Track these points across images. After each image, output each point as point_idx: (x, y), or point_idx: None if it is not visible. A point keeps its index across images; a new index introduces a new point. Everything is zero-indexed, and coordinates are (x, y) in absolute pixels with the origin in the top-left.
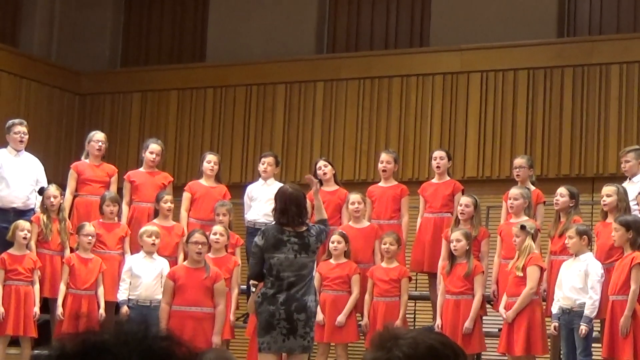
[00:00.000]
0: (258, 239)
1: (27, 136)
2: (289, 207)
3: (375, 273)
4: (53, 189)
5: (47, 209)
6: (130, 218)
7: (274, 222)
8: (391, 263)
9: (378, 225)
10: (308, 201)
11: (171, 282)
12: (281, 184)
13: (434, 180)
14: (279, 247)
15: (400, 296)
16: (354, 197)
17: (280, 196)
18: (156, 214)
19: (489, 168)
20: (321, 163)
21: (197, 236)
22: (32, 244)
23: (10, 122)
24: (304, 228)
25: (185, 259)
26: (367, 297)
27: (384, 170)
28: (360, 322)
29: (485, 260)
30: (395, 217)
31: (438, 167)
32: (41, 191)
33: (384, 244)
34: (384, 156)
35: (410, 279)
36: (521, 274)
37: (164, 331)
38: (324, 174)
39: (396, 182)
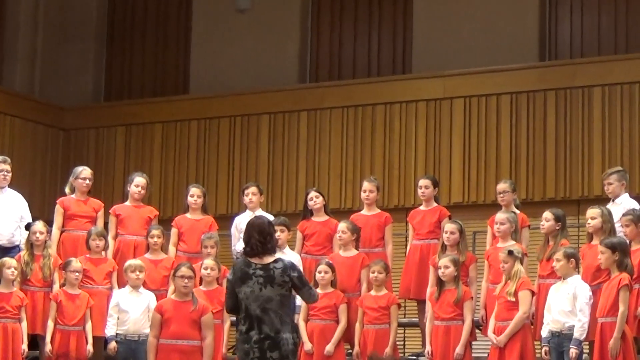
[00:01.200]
0: (229, 274)
1: (10, 174)
2: (252, 234)
3: (364, 301)
4: (40, 225)
5: (32, 245)
6: (117, 252)
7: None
8: (380, 291)
9: (364, 253)
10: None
11: (158, 316)
12: (268, 214)
13: (422, 208)
14: (246, 280)
15: (390, 323)
16: (341, 225)
17: (245, 228)
18: (148, 248)
19: (475, 193)
20: (313, 194)
21: (184, 270)
22: (15, 282)
23: None
24: (271, 260)
25: (175, 292)
26: (357, 325)
27: (367, 199)
28: (349, 351)
29: (474, 285)
30: (380, 245)
31: (423, 195)
32: (27, 227)
33: (372, 273)
34: (366, 185)
35: (399, 306)
36: (513, 299)
37: None
38: (315, 204)
39: (379, 210)
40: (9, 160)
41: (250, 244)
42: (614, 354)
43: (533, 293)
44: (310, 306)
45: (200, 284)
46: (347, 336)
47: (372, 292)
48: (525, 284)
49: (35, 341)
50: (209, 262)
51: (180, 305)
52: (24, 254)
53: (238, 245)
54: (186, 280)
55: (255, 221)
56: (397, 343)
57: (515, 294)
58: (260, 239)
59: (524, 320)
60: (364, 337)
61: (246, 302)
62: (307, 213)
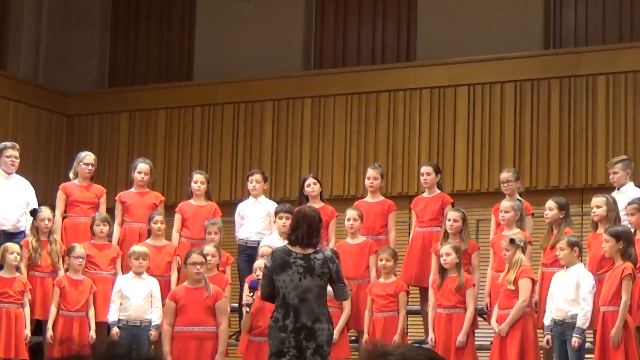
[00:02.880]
0: (267, 261)
1: (18, 160)
2: (301, 224)
3: (372, 289)
4: (48, 212)
5: (38, 231)
6: (122, 238)
7: (285, 242)
8: (388, 278)
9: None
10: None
11: (173, 303)
12: (271, 201)
13: (425, 195)
14: (285, 268)
15: (398, 310)
16: (350, 213)
17: (295, 214)
18: (149, 233)
19: (478, 181)
20: (310, 180)
21: (195, 257)
22: (22, 267)
23: (2, 144)
24: (312, 250)
25: (178, 277)
26: (366, 313)
27: (371, 186)
28: (352, 338)
29: (477, 273)
30: (384, 232)
31: (425, 182)
32: (33, 212)
33: (380, 260)
34: (370, 172)
35: (408, 293)
36: (513, 287)
37: (149, 354)
38: (312, 191)
39: (383, 198)
40: (17, 146)
41: (297, 233)
42: (615, 343)
43: (534, 281)
44: None
45: None
46: (353, 323)
47: (381, 280)
48: (526, 272)
49: (40, 326)
50: (209, 248)
51: (193, 292)
52: (31, 240)
53: (240, 231)
54: (198, 267)
55: (307, 212)
56: None
57: (515, 282)
58: (308, 230)
59: (523, 308)
60: (373, 324)
61: (284, 290)
62: (303, 199)
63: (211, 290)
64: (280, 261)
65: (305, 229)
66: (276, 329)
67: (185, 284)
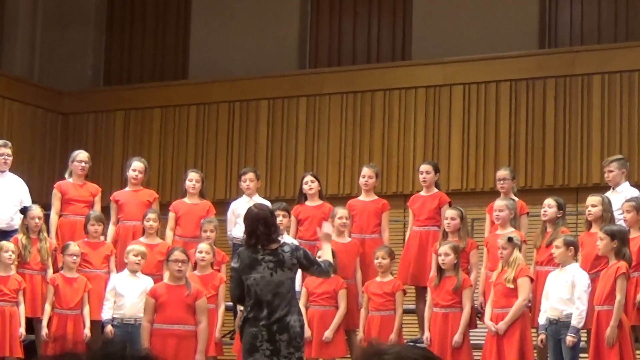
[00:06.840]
0: (234, 262)
1: (11, 158)
2: (257, 226)
3: (369, 287)
4: (38, 210)
5: (28, 229)
6: (116, 236)
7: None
8: (385, 277)
9: (360, 239)
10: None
11: (152, 300)
12: (265, 200)
13: (422, 193)
14: (255, 266)
15: (395, 309)
16: (342, 211)
17: (247, 218)
18: (144, 231)
19: (473, 180)
20: (308, 178)
21: (177, 254)
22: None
23: None
24: (276, 245)
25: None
26: (362, 311)
27: (365, 185)
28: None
29: (475, 271)
30: (377, 231)
31: (424, 181)
32: (24, 210)
33: (377, 258)
34: (365, 170)
35: (404, 292)
36: (512, 286)
37: (142, 351)
38: (310, 189)
39: (376, 197)
40: (9, 144)
41: (256, 236)
42: (610, 342)
43: (531, 280)
44: (310, 292)
45: (195, 268)
46: (347, 322)
47: (377, 278)
48: (524, 270)
49: (31, 324)
50: (203, 246)
51: (174, 290)
52: (21, 237)
53: (234, 230)
54: (180, 264)
55: (258, 213)
56: None
57: (514, 280)
58: (265, 230)
59: (523, 307)
60: (369, 323)
61: (256, 288)
62: (302, 197)
63: (191, 288)
64: (248, 260)
65: (262, 230)
66: (247, 326)
67: (166, 281)
